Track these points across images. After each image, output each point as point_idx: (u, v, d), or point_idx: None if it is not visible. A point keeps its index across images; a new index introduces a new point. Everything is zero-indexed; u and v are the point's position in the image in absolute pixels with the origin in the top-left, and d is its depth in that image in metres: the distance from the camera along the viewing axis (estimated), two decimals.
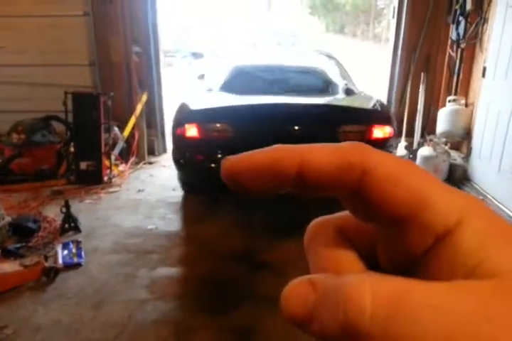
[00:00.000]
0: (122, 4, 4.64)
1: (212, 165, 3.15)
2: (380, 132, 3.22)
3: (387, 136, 3.23)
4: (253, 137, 3.02)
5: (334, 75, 4.11)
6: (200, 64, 15.29)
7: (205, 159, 3.24)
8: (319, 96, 3.67)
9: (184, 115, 3.38)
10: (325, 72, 4.08)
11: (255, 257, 2.97)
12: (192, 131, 3.22)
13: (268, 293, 2.61)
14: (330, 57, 4.61)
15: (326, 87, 3.88)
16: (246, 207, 3.72)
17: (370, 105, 3.53)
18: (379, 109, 3.48)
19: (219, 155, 3.18)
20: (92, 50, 4.82)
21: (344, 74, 4.22)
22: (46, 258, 2.83)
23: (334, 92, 3.79)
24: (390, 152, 3.26)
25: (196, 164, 3.32)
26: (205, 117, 3.29)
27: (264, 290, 2.63)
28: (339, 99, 3.68)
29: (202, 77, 4.54)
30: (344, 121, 3.24)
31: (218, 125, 3.25)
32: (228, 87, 3.81)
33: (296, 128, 3.20)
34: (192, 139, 3.24)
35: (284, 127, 3.17)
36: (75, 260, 2.89)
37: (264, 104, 3.35)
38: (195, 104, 3.50)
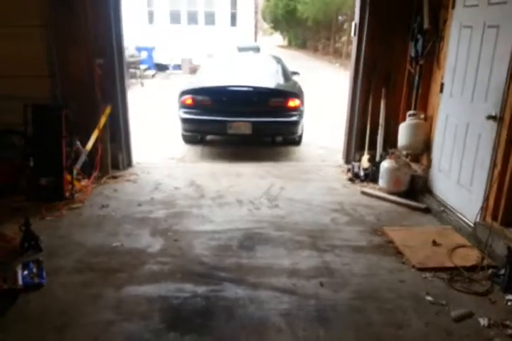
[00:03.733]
0: (85, 16, 4.55)
1: (200, 118, 5.98)
2: (292, 102, 5.99)
3: (297, 104, 6.03)
4: (223, 104, 5.93)
5: (277, 70, 6.77)
6: (166, 75, 15.21)
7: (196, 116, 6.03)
8: (265, 82, 6.30)
9: (184, 90, 6.16)
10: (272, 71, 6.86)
11: None
12: (188, 100, 6.02)
13: (242, 310, 2.58)
14: (277, 58, 7.36)
15: (269, 76, 6.62)
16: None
17: (291, 88, 6.35)
18: (295, 91, 6.25)
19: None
20: (53, 62, 4.69)
21: (285, 70, 6.83)
22: (5, 279, 2.70)
23: (275, 80, 6.54)
24: (299, 114, 6.06)
25: (191, 118, 6.05)
26: (195, 92, 6.08)
27: (240, 309, 2.60)
28: (277, 84, 6.42)
29: (194, 72, 6.97)
30: (274, 96, 6.04)
31: (203, 97, 6.00)
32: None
33: (248, 99, 5.92)
34: (189, 104, 6.02)
35: (241, 98, 5.93)
36: (36, 280, 2.77)
37: (230, 85, 6.02)
38: (190, 85, 6.40)
